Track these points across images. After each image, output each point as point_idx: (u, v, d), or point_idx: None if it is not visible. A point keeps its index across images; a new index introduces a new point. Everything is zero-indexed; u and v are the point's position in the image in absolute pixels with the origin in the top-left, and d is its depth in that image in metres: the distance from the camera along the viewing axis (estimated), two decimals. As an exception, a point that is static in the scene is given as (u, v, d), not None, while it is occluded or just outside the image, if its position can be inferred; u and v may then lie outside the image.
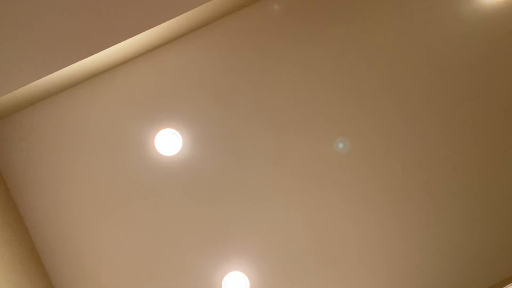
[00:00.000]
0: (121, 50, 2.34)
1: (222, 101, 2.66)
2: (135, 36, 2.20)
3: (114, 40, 2.19)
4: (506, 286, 2.35)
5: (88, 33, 2.16)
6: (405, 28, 2.63)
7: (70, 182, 2.62)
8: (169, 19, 2.21)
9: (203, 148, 2.69)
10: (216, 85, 2.64)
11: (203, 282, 2.73)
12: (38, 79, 2.16)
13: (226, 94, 2.65)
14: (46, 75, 2.17)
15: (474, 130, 2.71)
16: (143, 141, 2.64)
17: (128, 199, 2.66)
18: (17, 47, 2.13)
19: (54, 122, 2.56)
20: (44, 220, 2.61)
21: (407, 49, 2.65)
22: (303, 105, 2.68)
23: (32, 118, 2.54)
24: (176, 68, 2.61)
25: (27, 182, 2.58)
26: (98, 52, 2.19)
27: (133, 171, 2.65)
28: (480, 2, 2.59)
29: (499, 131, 2.71)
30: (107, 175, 2.64)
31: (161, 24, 2.21)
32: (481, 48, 2.66)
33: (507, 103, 2.70)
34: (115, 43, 2.20)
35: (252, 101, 2.66)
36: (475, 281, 2.75)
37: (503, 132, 2.72)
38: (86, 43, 2.16)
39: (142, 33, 2.20)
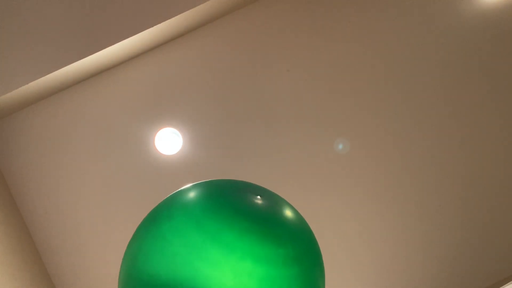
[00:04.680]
0: (120, 49, 2.33)
1: (222, 101, 2.65)
2: (134, 36, 2.20)
3: (114, 39, 2.18)
4: (503, 286, 2.37)
5: (87, 33, 2.15)
6: (407, 26, 2.63)
7: (71, 181, 2.62)
8: (169, 19, 2.20)
9: (203, 147, 2.69)
10: (216, 84, 2.64)
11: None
12: (38, 78, 2.15)
13: (226, 93, 2.65)
14: (46, 75, 2.16)
15: (475, 130, 2.72)
16: (143, 140, 2.64)
17: (129, 198, 2.67)
18: (17, 47, 2.12)
19: (54, 122, 2.56)
20: (45, 219, 2.61)
21: (409, 48, 2.65)
22: (303, 104, 2.68)
23: (32, 118, 2.54)
24: (176, 67, 2.60)
25: (27, 182, 2.58)
26: (97, 51, 2.18)
27: (133, 170, 2.66)
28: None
29: (499, 131, 2.72)
30: (108, 174, 2.64)
31: (161, 23, 2.20)
32: (483, 49, 2.66)
33: (507, 104, 2.71)
34: (115, 42, 2.19)
35: (252, 100, 2.66)
36: (474, 281, 2.77)
37: (504, 132, 2.73)
38: (86, 42, 2.16)
39: (142, 32, 2.20)
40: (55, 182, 2.60)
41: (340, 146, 2.69)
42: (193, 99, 2.64)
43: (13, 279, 2.24)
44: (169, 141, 2.64)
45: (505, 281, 2.60)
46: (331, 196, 2.74)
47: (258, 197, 0.72)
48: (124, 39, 2.18)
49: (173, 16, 2.19)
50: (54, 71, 2.16)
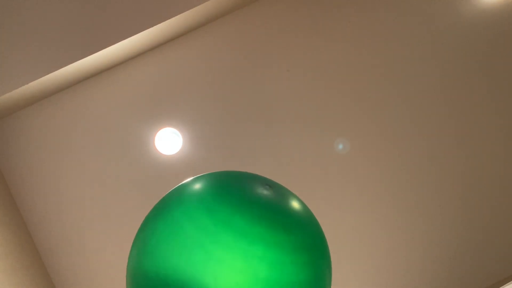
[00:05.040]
0: (120, 49, 2.33)
1: (222, 101, 2.65)
2: (135, 36, 2.20)
3: (114, 39, 2.18)
4: (503, 286, 2.37)
5: (87, 33, 2.15)
6: (407, 26, 2.63)
7: (71, 181, 2.62)
8: (169, 18, 2.20)
9: (203, 147, 2.69)
10: (216, 84, 2.64)
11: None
12: (38, 78, 2.16)
13: (226, 93, 2.65)
14: (46, 75, 2.16)
15: (475, 130, 2.72)
16: (143, 140, 2.64)
17: (129, 198, 2.66)
18: (17, 47, 2.12)
19: (54, 122, 2.56)
20: (45, 219, 2.61)
21: (409, 48, 2.65)
22: (303, 104, 2.68)
23: (32, 117, 2.54)
24: (176, 67, 2.60)
25: (27, 182, 2.58)
26: (98, 51, 2.18)
27: (133, 170, 2.66)
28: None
29: (499, 131, 2.72)
30: (108, 174, 2.64)
31: (161, 23, 2.20)
32: (483, 49, 2.66)
33: (507, 104, 2.71)
34: (115, 42, 2.19)
35: (252, 100, 2.66)
36: (474, 281, 2.77)
37: (504, 132, 2.72)
38: (86, 42, 2.16)
39: (142, 32, 2.20)
40: (55, 182, 2.60)
41: (340, 146, 2.69)
42: (193, 99, 2.64)
43: (13, 279, 2.24)
44: (169, 141, 2.64)
45: (505, 281, 2.60)
46: (331, 196, 2.74)
47: (268, 186, 0.72)
48: (124, 39, 2.18)
49: (173, 16, 2.19)
50: (54, 71, 2.16)
